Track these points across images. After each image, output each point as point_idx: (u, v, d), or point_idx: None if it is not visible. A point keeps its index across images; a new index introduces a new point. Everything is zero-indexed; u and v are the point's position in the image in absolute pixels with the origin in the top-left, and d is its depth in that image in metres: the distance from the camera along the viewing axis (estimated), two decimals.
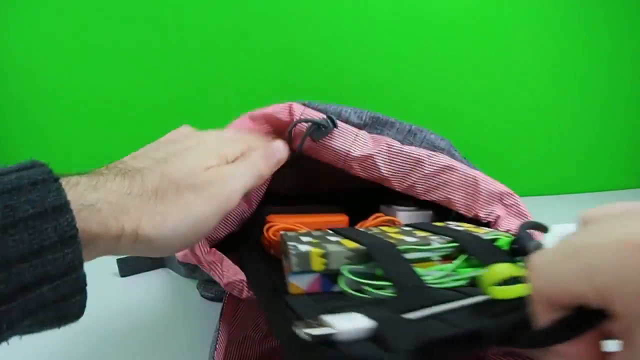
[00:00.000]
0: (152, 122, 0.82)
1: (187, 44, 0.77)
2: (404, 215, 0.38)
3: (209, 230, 0.24)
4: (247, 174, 0.27)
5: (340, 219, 0.37)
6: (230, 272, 0.32)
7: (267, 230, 0.34)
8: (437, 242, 0.28)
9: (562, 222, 0.37)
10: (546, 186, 0.84)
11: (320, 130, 0.34)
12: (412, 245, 0.27)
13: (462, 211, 0.35)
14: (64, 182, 0.19)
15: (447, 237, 0.28)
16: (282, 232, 0.32)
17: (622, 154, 0.84)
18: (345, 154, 0.35)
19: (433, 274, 0.26)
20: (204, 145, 0.27)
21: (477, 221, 0.35)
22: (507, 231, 0.33)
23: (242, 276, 0.31)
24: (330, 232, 0.32)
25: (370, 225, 0.36)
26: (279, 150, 0.30)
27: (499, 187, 0.34)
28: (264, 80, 0.78)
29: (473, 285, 0.25)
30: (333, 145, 0.35)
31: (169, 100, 0.80)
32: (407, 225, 0.36)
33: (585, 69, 0.79)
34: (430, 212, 0.39)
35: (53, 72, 0.79)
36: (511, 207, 0.34)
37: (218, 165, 0.26)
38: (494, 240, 0.28)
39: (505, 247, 0.27)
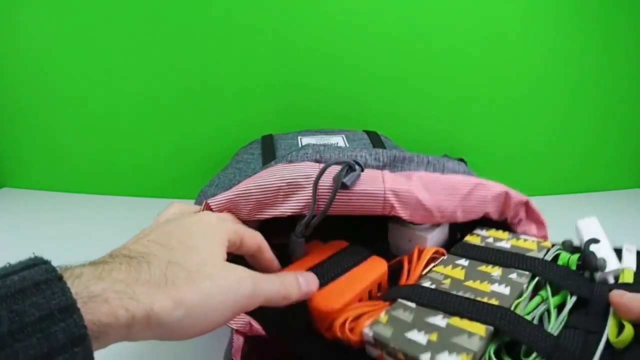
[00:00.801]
0: (152, 122, 0.82)
1: (190, 44, 0.77)
2: (432, 235, 0.37)
3: (225, 322, 0.24)
4: (276, 289, 0.26)
5: (380, 267, 0.32)
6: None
7: (341, 326, 0.28)
8: (524, 284, 0.30)
9: (562, 222, 0.39)
10: (546, 186, 0.84)
11: (349, 174, 0.31)
12: (515, 299, 0.29)
13: (495, 217, 0.38)
14: (66, 275, 0.19)
15: (523, 272, 0.31)
16: (373, 333, 0.27)
17: (622, 154, 0.84)
18: (383, 196, 0.32)
19: (536, 314, 0.29)
20: (207, 229, 0.26)
21: (501, 223, 0.38)
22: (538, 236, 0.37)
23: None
24: (412, 305, 0.29)
25: (422, 267, 0.33)
26: (316, 282, 0.29)
27: (522, 196, 0.37)
28: (265, 79, 0.78)
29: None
30: (368, 190, 0.31)
31: (169, 99, 0.80)
32: (454, 257, 0.34)
33: (585, 69, 0.78)
34: (447, 224, 0.39)
35: (54, 71, 0.79)
36: (530, 212, 0.38)
37: (226, 251, 0.26)
38: (556, 258, 0.32)
39: (573, 266, 0.32)
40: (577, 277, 0.31)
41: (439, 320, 0.27)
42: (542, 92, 0.80)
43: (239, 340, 0.31)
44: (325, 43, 0.76)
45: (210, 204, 0.32)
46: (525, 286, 0.30)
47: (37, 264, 0.18)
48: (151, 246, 0.24)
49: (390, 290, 0.31)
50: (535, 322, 0.28)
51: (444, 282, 0.31)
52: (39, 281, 0.17)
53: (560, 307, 0.29)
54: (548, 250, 0.33)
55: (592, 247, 0.32)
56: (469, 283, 0.30)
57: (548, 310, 0.29)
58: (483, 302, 0.28)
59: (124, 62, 0.78)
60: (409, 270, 0.33)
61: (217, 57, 0.77)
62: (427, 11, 0.75)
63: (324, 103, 0.79)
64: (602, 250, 0.32)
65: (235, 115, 0.81)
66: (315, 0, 0.74)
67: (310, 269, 0.32)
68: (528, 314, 0.29)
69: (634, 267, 0.31)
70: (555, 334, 0.27)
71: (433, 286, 0.30)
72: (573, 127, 0.82)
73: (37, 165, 0.85)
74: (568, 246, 0.34)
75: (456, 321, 0.27)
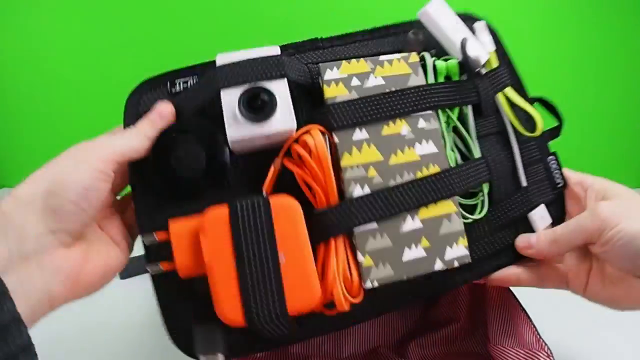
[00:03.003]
0: None
1: (192, 43, 0.74)
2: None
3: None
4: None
5: (294, 210, 0.26)
6: None
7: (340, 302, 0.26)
8: (437, 128, 0.31)
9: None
10: None
11: None
12: (444, 149, 0.31)
13: None
14: None
15: (426, 113, 0.30)
16: (378, 282, 0.27)
17: (622, 154, 0.83)
18: None
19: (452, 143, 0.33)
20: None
21: None
22: None
23: None
24: (373, 226, 0.27)
25: (330, 171, 0.27)
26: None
27: None
28: None
29: None
30: None
31: None
32: (344, 132, 0.29)
33: (586, 69, 0.76)
34: None
35: (54, 71, 0.77)
36: None
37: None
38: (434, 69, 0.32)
39: (455, 75, 0.32)
40: (463, 86, 0.31)
41: (412, 223, 0.27)
42: (541, 91, 0.78)
43: None
44: None
45: None
46: (439, 129, 0.30)
47: None
48: None
49: (327, 226, 0.27)
50: (455, 151, 0.31)
51: (369, 175, 0.28)
52: None
53: (460, 120, 0.32)
54: (424, 67, 0.31)
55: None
56: (394, 160, 0.28)
57: (456, 128, 0.31)
58: (429, 179, 0.28)
59: (124, 62, 0.76)
60: (324, 188, 0.27)
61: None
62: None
63: None
64: (469, 44, 0.31)
65: None
66: None
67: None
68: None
69: (492, 45, 0.33)
70: (478, 154, 0.31)
71: (366, 189, 0.27)
72: (572, 127, 0.80)
73: (37, 166, 0.84)
74: (428, 49, 0.32)
75: (425, 212, 0.27)
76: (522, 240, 0.32)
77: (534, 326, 0.34)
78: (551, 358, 0.31)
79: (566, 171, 0.35)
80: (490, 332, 0.37)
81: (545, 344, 0.32)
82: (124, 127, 0.31)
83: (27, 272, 0.22)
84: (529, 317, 0.34)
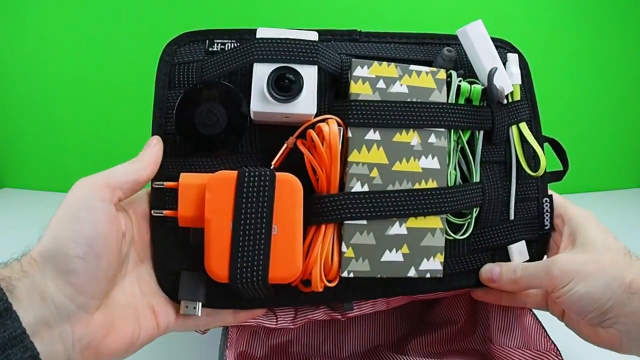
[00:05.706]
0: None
1: None
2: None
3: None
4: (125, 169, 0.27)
5: (295, 189, 0.28)
6: None
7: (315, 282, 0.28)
8: (445, 147, 0.32)
9: None
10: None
11: None
12: (446, 167, 0.32)
13: None
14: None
15: (439, 130, 0.32)
16: (353, 273, 0.29)
17: (622, 154, 0.83)
18: None
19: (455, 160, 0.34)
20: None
21: None
22: None
23: None
24: (362, 222, 0.29)
25: (337, 162, 0.28)
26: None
27: None
28: None
29: None
30: None
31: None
32: (358, 130, 0.30)
33: (586, 69, 0.77)
34: None
35: (54, 71, 0.77)
36: None
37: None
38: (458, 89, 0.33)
39: (476, 100, 0.33)
40: (481, 112, 0.33)
41: (398, 228, 0.29)
42: (541, 92, 0.78)
43: (232, 335, 0.33)
44: None
45: None
46: (446, 148, 0.31)
47: None
48: None
49: (322, 211, 0.29)
50: (457, 169, 0.33)
51: (371, 175, 0.30)
52: None
53: (469, 142, 0.33)
54: (448, 86, 0.32)
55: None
56: (398, 166, 0.30)
57: (463, 149, 0.33)
58: (424, 192, 0.30)
59: (124, 62, 0.75)
60: (328, 176, 0.29)
61: None
62: (437, 10, 0.72)
63: None
64: (497, 74, 0.32)
65: None
66: None
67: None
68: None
69: (519, 79, 0.35)
70: (477, 179, 0.33)
71: (365, 187, 0.29)
72: (572, 127, 0.80)
73: (37, 165, 0.83)
74: (457, 68, 0.33)
75: (412, 222, 0.29)
76: (486, 272, 0.33)
77: (542, 326, 0.34)
78: (559, 358, 0.31)
79: (554, 195, 0.36)
80: (494, 333, 0.38)
81: (554, 345, 0.32)
82: (156, 75, 0.32)
83: (49, 339, 0.22)
84: (536, 318, 0.35)
